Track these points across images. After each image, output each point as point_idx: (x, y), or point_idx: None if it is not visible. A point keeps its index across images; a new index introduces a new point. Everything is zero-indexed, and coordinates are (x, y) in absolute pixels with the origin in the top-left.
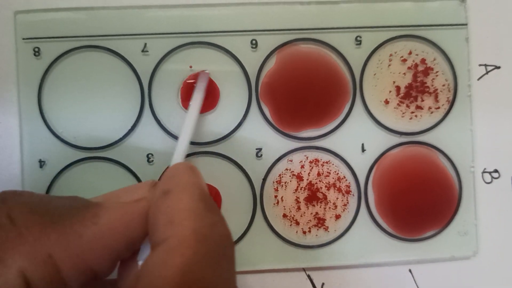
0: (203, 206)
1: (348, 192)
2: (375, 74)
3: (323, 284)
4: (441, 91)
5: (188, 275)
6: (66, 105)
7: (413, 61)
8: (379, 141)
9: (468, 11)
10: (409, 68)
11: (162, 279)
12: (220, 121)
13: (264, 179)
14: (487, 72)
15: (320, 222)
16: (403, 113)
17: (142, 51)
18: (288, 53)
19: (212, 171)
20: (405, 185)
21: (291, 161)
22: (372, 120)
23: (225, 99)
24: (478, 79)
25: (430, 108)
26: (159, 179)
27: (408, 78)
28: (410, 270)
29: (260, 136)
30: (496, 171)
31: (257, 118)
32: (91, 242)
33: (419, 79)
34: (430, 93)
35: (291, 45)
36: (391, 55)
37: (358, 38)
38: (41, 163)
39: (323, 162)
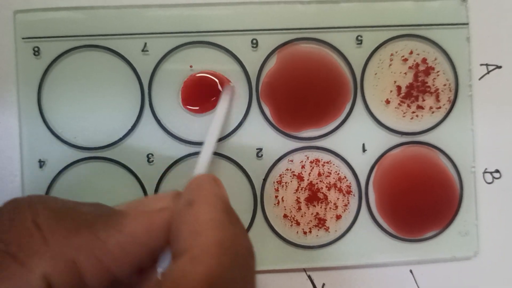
0: (226, 218)
1: (348, 192)
2: (376, 74)
3: (323, 284)
4: (442, 90)
5: (212, 285)
6: (66, 105)
7: (414, 60)
8: (380, 141)
9: (469, 11)
10: (410, 67)
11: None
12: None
13: (265, 179)
14: (488, 72)
15: (320, 222)
16: (404, 113)
17: (142, 50)
18: (289, 53)
19: (213, 171)
20: (406, 185)
21: (292, 161)
22: (373, 120)
23: None
24: (479, 79)
25: (431, 108)
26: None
27: (409, 78)
28: (411, 271)
29: (261, 136)
30: (497, 171)
31: (257, 118)
32: (115, 250)
33: (420, 78)
34: (431, 93)
35: (292, 45)
36: (392, 54)
37: (359, 38)
38: (41, 163)
39: (324, 162)
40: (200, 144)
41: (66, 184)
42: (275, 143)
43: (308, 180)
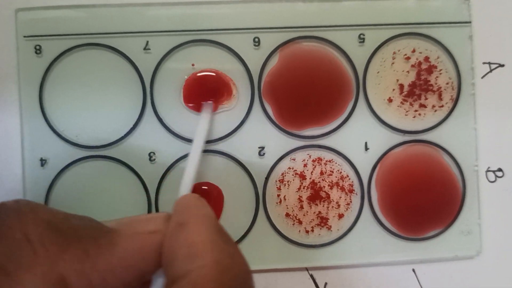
0: (220, 238)
1: (351, 191)
2: (378, 72)
3: (326, 283)
4: (444, 89)
5: None
6: (67, 103)
7: (417, 59)
8: (382, 140)
9: (472, 9)
10: (412, 66)
11: None
12: (222, 119)
13: (267, 178)
14: (491, 70)
15: (323, 221)
16: (407, 111)
17: (144, 49)
18: (291, 51)
19: (215, 170)
20: (408, 184)
21: (294, 159)
22: (375, 119)
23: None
24: (482, 77)
25: (433, 106)
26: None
27: (412, 76)
28: (413, 270)
29: (263, 135)
30: (500, 170)
31: (259, 117)
32: (104, 270)
33: (422, 77)
34: (433, 91)
35: (294, 43)
36: (394, 53)
37: (361, 36)
38: (42, 162)
39: (326, 161)
40: None
41: (67, 183)
42: (277, 141)
43: (310, 178)
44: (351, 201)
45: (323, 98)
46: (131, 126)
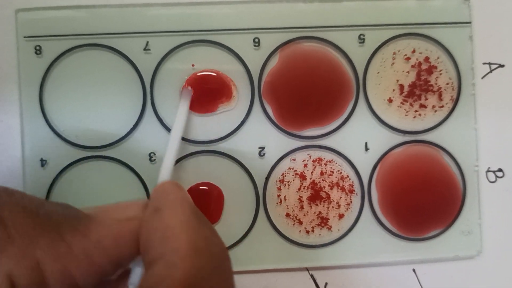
0: (195, 220)
1: (351, 191)
2: (378, 73)
3: (326, 283)
4: (445, 89)
5: None
6: (67, 103)
7: (417, 59)
8: (382, 140)
9: (472, 9)
10: (412, 66)
11: None
12: (222, 119)
13: (267, 178)
14: (491, 71)
15: (323, 221)
16: (407, 111)
17: (144, 49)
18: (291, 52)
19: (215, 170)
20: (408, 184)
21: (294, 160)
22: (375, 119)
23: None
24: (482, 78)
25: (434, 106)
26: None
27: (412, 77)
28: (413, 270)
29: (263, 135)
30: (500, 170)
31: (259, 117)
32: (80, 255)
33: (422, 77)
34: (433, 92)
35: (294, 44)
36: (394, 53)
37: (361, 36)
38: (43, 162)
39: (326, 161)
40: (201, 143)
41: (67, 183)
42: (277, 142)
43: (310, 179)
44: (351, 201)
45: (323, 98)
46: (131, 126)
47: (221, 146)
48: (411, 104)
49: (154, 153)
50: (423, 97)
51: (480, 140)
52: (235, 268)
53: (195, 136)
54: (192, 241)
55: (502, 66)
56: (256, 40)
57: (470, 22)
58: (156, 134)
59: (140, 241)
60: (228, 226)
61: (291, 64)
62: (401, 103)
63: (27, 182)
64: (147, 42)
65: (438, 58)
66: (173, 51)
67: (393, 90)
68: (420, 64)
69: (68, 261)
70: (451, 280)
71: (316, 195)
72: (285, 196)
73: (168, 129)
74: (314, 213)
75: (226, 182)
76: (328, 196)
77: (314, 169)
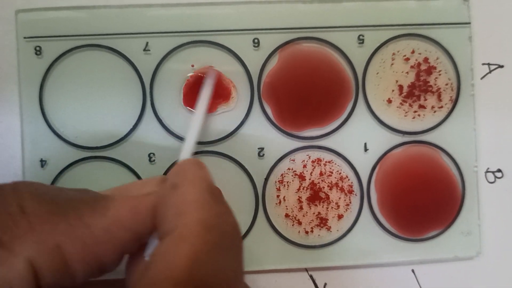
0: (210, 198)
1: (350, 191)
2: (377, 73)
3: (325, 284)
4: (444, 90)
5: (197, 263)
6: (67, 104)
7: (416, 60)
8: (381, 141)
9: (471, 10)
10: (412, 67)
11: (171, 267)
12: (221, 120)
13: (266, 179)
14: (490, 71)
15: (322, 222)
16: (406, 112)
17: (144, 50)
18: (290, 52)
19: (214, 171)
20: (408, 185)
21: (294, 160)
22: (374, 120)
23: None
24: (481, 78)
25: (433, 107)
26: (165, 174)
27: (411, 77)
28: (413, 270)
29: (262, 136)
30: (499, 170)
31: (259, 118)
32: (100, 234)
33: (422, 78)
34: (433, 92)
35: (293, 44)
36: (393, 54)
37: (361, 37)
38: (43, 163)
39: (326, 162)
40: (202, 143)
41: (67, 184)
42: (276, 142)
43: (310, 179)
44: (350, 202)
45: (323, 99)
46: (131, 127)
47: (221, 147)
48: (410, 105)
49: (154, 154)
50: (422, 98)
51: (479, 141)
52: None
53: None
54: (204, 217)
55: (502, 66)
56: (256, 40)
57: (469, 23)
58: (155, 135)
59: (156, 214)
60: None
61: (290, 65)
62: (401, 103)
63: None
64: (147, 43)
65: (437, 58)
66: (173, 52)
67: (393, 90)
68: (419, 64)
69: (88, 241)
70: (450, 280)
71: (315, 196)
72: (284, 197)
73: (168, 130)
74: (314, 213)
75: (226, 182)
76: (327, 197)
77: (313, 170)
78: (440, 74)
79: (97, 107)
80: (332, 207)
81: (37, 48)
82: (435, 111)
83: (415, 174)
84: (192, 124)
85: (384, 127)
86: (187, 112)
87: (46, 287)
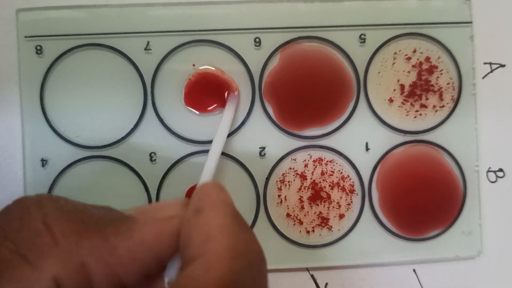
0: (236, 224)
1: (352, 191)
2: (379, 73)
3: (326, 284)
4: (445, 89)
5: None
6: (68, 103)
7: (418, 59)
8: (383, 140)
9: (473, 9)
10: (413, 66)
11: None
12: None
13: (268, 178)
14: (492, 71)
15: (323, 221)
16: (408, 111)
17: (145, 49)
18: (292, 52)
19: (215, 170)
20: (409, 185)
21: (295, 160)
22: (376, 119)
23: None
24: (483, 78)
25: (434, 106)
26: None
27: (413, 77)
28: (414, 270)
29: (264, 135)
30: (501, 170)
31: (260, 117)
32: (124, 255)
33: (423, 77)
34: (434, 92)
35: (295, 43)
36: (395, 53)
37: (362, 36)
38: (43, 162)
39: (327, 161)
40: (202, 143)
41: (68, 183)
42: (278, 142)
43: (311, 179)
44: (351, 202)
45: (324, 98)
46: (132, 126)
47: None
48: (411, 104)
49: (155, 153)
50: (423, 97)
51: (480, 140)
52: None
53: (196, 136)
54: (232, 244)
55: (503, 66)
56: (257, 40)
57: (471, 22)
58: (156, 134)
59: (180, 239)
60: None
61: (291, 64)
62: (402, 103)
63: (28, 182)
64: (148, 42)
65: (439, 58)
66: (174, 51)
67: (394, 90)
68: (421, 64)
69: (112, 261)
70: (451, 280)
71: (317, 195)
72: (285, 196)
73: (169, 129)
74: (315, 213)
75: (227, 182)
76: (329, 196)
77: (314, 169)
78: (441, 74)
79: (98, 107)
80: (333, 207)
81: (38, 48)
82: (436, 111)
83: (416, 174)
84: (213, 145)
85: (386, 126)
86: (188, 111)
87: None
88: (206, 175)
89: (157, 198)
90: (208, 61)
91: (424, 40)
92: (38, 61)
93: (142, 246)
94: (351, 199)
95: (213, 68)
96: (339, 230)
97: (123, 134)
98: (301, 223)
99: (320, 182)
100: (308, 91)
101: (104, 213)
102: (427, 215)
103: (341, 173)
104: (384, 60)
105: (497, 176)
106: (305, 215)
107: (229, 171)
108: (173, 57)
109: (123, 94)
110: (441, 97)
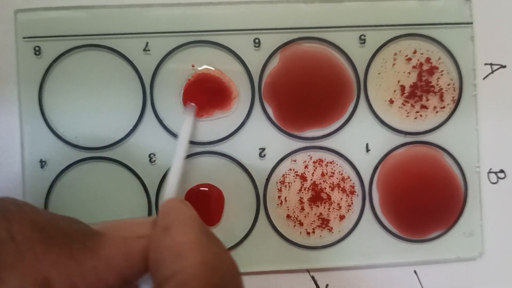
0: (205, 237)
1: (352, 192)
2: (379, 73)
3: (327, 285)
4: (446, 90)
5: None
6: (67, 104)
7: (418, 60)
8: (383, 141)
9: (473, 10)
10: (413, 67)
11: None
12: (222, 121)
13: (268, 179)
14: (492, 71)
15: (324, 222)
16: (408, 112)
17: (144, 50)
18: (292, 52)
19: (215, 171)
20: (410, 186)
21: (295, 161)
22: (376, 120)
23: None
24: (484, 78)
25: (435, 107)
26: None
27: (413, 77)
28: (415, 271)
29: (264, 136)
30: (502, 171)
31: (260, 118)
32: (89, 273)
33: (424, 78)
34: (435, 93)
35: (295, 44)
36: (395, 54)
37: (362, 37)
38: (42, 163)
39: (327, 162)
40: (202, 143)
41: (67, 184)
42: (278, 143)
43: (311, 180)
44: (352, 203)
45: (324, 99)
46: (131, 127)
47: (222, 147)
48: (412, 105)
49: (154, 154)
50: (424, 98)
51: (481, 141)
52: None
53: (196, 137)
54: (204, 259)
55: (504, 66)
56: (257, 40)
57: (471, 23)
58: (156, 135)
59: (149, 258)
60: (229, 228)
61: (291, 65)
62: (402, 104)
63: (27, 183)
64: (147, 43)
65: (439, 58)
66: (173, 52)
67: (394, 91)
68: (421, 64)
69: (77, 278)
70: (452, 281)
71: (317, 196)
72: (285, 197)
73: (168, 130)
74: (315, 214)
75: (227, 183)
76: (329, 197)
77: (314, 170)
78: (442, 74)
79: (97, 108)
80: (333, 208)
81: (37, 48)
82: (437, 112)
83: (417, 175)
84: (174, 161)
85: (386, 127)
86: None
87: None
88: (169, 192)
89: (157, 199)
90: (208, 62)
91: (425, 40)
92: (37, 61)
93: (108, 264)
94: (351, 200)
95: (213, 69)
96: (339, 231)
97: (122, 135)
98: (301, 224)
99: (320, 183)
100: (308, 92)
101: (71, 226)
102: (428, 216)
103: (342, 174)
104: (384, 61)
105: (498, 177)
106: (305, 216)
107: (229, 172)
108: (172, 58)
109: (122, 95)
110: (441, 98)
